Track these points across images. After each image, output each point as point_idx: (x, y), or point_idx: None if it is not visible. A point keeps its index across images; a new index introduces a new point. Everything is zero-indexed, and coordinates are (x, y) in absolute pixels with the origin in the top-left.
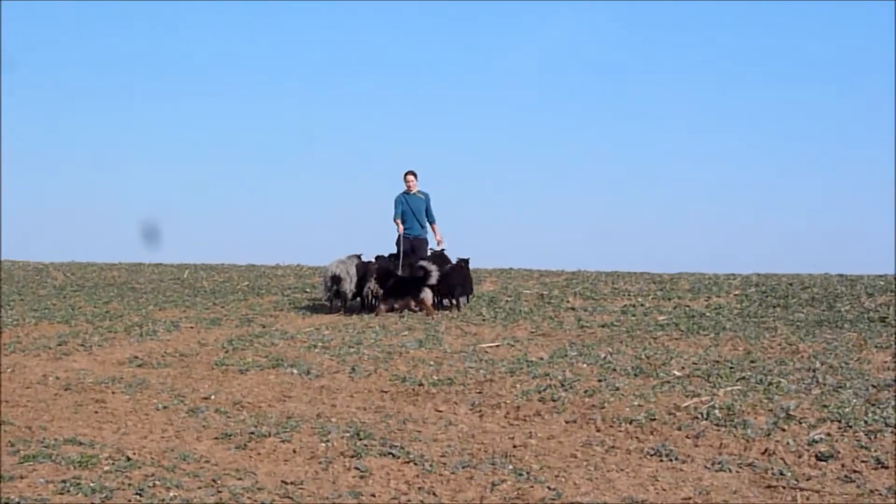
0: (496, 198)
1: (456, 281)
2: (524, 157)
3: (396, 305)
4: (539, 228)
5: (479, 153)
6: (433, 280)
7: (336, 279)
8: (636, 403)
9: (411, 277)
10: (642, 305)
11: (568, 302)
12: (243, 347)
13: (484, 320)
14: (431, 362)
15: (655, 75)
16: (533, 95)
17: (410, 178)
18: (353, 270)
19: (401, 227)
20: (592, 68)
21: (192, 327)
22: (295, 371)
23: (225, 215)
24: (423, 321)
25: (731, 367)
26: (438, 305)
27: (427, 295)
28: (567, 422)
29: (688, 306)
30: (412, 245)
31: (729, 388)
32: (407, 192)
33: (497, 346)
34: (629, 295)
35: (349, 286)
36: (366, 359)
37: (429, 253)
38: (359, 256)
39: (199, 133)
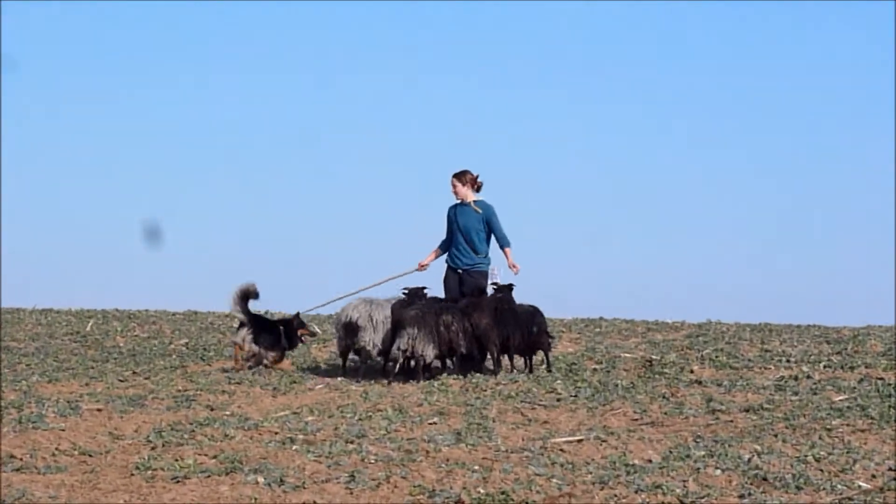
0: (566, 209)
1: (540, 326)
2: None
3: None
4: (642, 256)
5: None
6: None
7: (350, 328)
8: None
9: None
10: (809, 378)
11: (691, 372)
12: (180, 442)
13: (559, 400)
14: (476, 467)
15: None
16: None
17: (453, 181)
18: (380, 315)
19: (431, 255)
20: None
21: (99, 410)
22: (261, 480)
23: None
24: (461, 401)
25: None
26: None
27: None
28: None
29: (881, 379)
30: (462, 281)
31: None
32: (460, 203)
33: (580, 441)
34: (788, 361)
35: (372, 337)
36: (372, 461)
37: (490, 289)
38: (417, 293)
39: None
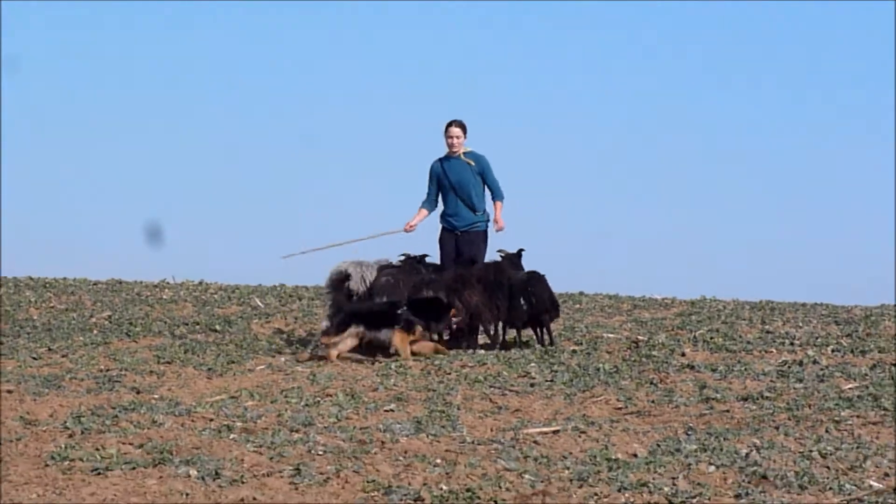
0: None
1: (539, 296)
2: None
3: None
4: (629, 224)
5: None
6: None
7: (341, 283)
8: None
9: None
10: (815, 363)
11: (683, 356)
12: (101, 429)
13: (533, 385)
14: (438, 461)
15: None
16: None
17: (454, 130)
18: (369, 274)
19: (418, 216)
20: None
21: (9, 392)
22: (193, 473)
23: (70, 187)
24: (421, 386)
25: None
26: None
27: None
28: None
29: None
30: (457, 244)
31: None
32: (448, 157)
33: (556, 432)
34: (792, 343)
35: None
36: (320, 452)
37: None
38: (418, 260)
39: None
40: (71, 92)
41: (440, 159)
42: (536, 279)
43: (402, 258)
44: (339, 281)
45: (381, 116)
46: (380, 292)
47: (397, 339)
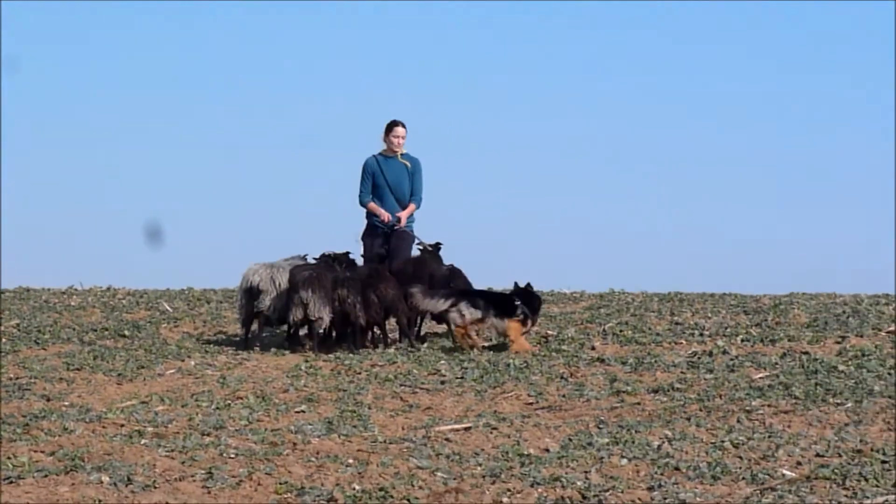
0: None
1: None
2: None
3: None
4: (540, 214)
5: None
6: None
7: (250, 293)
8: None
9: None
10: (725, 353)
11: (593, 349)
12: (13, 438)
13: (443, 383)
14: (350, 461)
15: None
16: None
17: (401, 130)
18: (281, 278)
19: (384, 213)
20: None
21: None
22: (105, 479)
23: None
24: (332, 386)
25: (886, 464)
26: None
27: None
28: None
29: (806, 353)
30: (390, 241)
31: (881, 501)
32: (386, 154)
33: (467, 429)
34: (702, 334)
35: (270, 302)
36: (232, 455)
37: (415, 252)
38: (303, 258)
39: None
40: (71, 92)
41: (377, 157)
42: (457, 274)
43: (326, 256)
44: (250, 289)
45: (379, 116)
46: (304, 285)
47: (513, 329)
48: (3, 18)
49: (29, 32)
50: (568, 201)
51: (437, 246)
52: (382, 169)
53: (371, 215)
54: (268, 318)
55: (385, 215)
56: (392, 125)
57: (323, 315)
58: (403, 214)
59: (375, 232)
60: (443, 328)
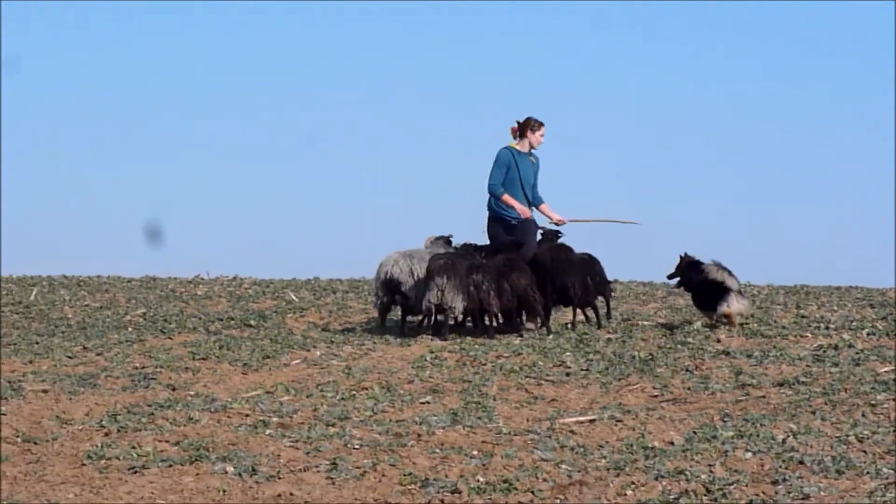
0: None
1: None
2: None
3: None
4: (662, 208)
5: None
6: None
7: (389, 284)
8: None
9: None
10: (850, 347)
11: (718, 342)
12: (137, 427)
13: (568, 375)
14: (474, 452)
15: None
16: None
17: (544, 130)
18: (419, 269)
19: (524, 209)
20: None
21: (45, 391)
22: (230, 469)
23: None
24: (457, 377)
25: None
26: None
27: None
28: None
29: None
30: (514, 232)
31: None
32: (521, 149)
33: (592, 421)
34: (827, 328)
35: (409, 292)
36: (356, 446)
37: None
38: (447, 239)
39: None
40: (71, 92)
41: (511, 150)
42: (594, 261)
43: (462, 245)
44: (389, 280)
45: (380, 116)
46: (440, 272)
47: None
48: (3, 18)
49: (29, 32)
50: (694, 197)
51: (557, 234)
52: (517, 163)
53: (501, 206)
54: (410, 307)
55: (526, 212)
56: (539, 124)
57: (456, 304)
58: (555, 215)
59: (504, 223)
60: (567, 318)
